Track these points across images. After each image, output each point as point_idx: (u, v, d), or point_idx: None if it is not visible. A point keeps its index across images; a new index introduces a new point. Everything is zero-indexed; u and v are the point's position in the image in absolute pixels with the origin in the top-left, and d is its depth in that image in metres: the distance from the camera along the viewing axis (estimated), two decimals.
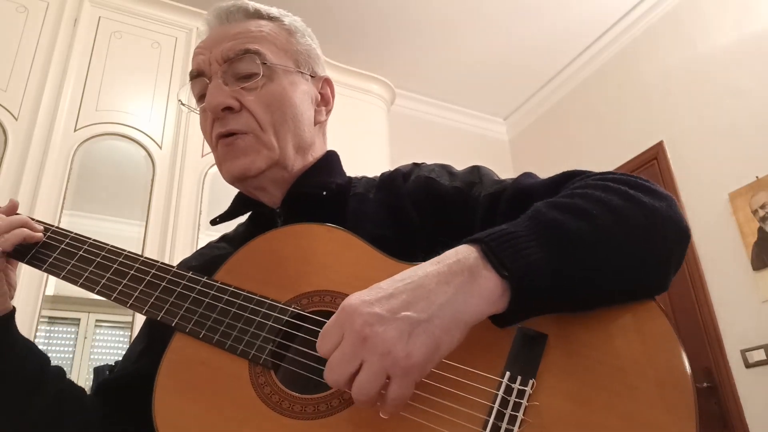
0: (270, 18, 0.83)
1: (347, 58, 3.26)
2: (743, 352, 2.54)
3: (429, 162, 0.84)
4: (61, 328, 2.37)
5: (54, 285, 2.09)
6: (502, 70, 3.75)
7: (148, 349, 0.78)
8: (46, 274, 1.95)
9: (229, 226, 0.91)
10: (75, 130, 2.26)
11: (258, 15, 0.82)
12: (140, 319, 2.08)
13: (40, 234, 0.73)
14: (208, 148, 2.43)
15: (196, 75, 0.80)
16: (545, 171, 0.74)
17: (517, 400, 0.51)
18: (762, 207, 2.57)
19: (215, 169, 2.41)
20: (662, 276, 0.58)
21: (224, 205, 0.87)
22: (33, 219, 0.75)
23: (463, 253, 0.53)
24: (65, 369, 0.75)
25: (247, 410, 0.58)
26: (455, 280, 0.50)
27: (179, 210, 2.30)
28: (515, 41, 3.51)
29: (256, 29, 0.80)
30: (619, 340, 0.54)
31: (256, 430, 0.57)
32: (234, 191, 0.86)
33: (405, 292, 0.50)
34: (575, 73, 3.76)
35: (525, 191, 0.67)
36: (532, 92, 4.02)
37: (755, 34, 2.76)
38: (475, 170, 0.76)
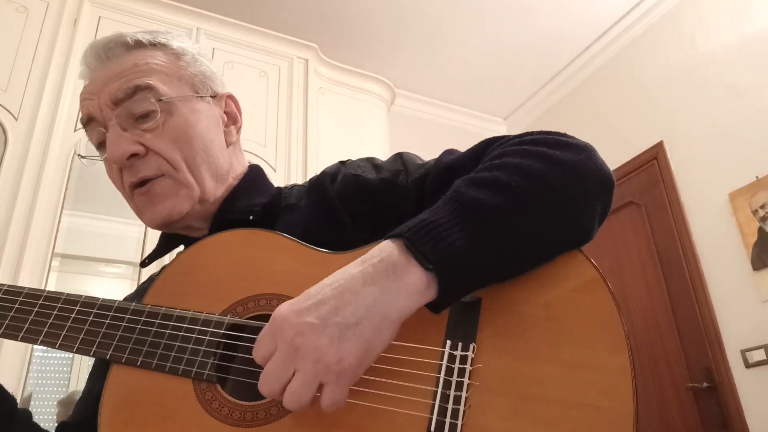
0: (154, 45, 0.76)
1: (347, 58, 3.26)
2: (743, 352, 2.54)
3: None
4: None
5: (54, 285, 2.08)
6: (502, 70, 3.75)
7: None
8: (45, 277, 1.96)
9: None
10: (75, 130, 2.26)
11: (140, 45, 0.75)
12: None
13: None
14: None
15: (88, 121, 0.74)
16: None
17: (461, 366, 0.53)
18: (762, 207, 2.57)
19: None
20: (588, 229, 0.59)
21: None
22: None
23: (387, 250, 0.53)
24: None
25: (197, 427, 0.58)
26: (381, 279, 0.51)
27: None
28: (515, 41, 3.51)
29: (142, 62, 0.73)
30: (549, 292, 0.55)
31: None
32: None
33: (333, 298, 0.50)
34: (575, 73, 3.75)
35: (448, 168, 0.68)
36: (532, 92, 4.02)
37: (755, 34, 2.76)
38: (398, 158, 0.76)
